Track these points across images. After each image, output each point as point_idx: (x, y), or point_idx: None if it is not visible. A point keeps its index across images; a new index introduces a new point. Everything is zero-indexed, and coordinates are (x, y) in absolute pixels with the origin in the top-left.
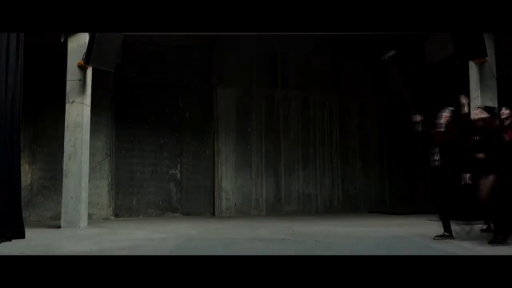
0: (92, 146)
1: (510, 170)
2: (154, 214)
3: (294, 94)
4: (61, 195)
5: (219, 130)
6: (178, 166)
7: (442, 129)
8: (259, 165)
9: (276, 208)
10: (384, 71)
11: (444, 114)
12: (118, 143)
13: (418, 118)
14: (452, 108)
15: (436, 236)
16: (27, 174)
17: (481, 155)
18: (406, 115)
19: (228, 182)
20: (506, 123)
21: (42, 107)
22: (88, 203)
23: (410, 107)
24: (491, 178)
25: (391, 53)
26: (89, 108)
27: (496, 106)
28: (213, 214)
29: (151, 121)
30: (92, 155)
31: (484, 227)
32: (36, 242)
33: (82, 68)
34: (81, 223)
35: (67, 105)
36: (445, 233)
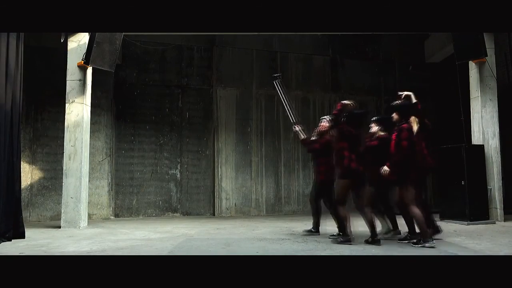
0: (92, 146)
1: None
2: (154, 214)
3: (294, 94)
4: (61, 195)
5: (219, 130)
6: (178, 166)
7: (314, 138)
8: (259, 165)
9: (276, 208)
10: (384, 71)
11: (322, 123)
12: (118, 143)
13: (296, 128)
14: (329, 117)
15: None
16: (27, 174)
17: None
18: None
19: (228, 182)
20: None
21: (42, 107)
22: (88, 203)
23: (292, 120)
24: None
25: (278, 76)
26: (89, 108)
27: (496, 106)
28: (213, 214)
29: (151, 121)
30: (92, 155)
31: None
32: (36, 242)
33: (82, 68)
34: (81, 223)
35: (67, 105)
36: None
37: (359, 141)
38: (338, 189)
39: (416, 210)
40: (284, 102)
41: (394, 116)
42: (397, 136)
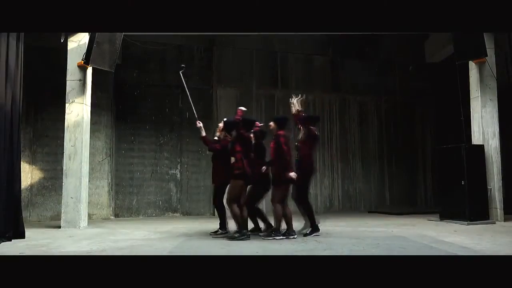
0: (92, 146)
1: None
2: (154, 214)
3: (294, 94)
4: (61, 195)
5: None
6: (178, 166)
7: (216, 138)
8: None
9: None
10: (384, 71)
11: (220, 125)
12: (118, 143)
13: (198, 124)
14: (225, 119)
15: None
16: (27, 174)
17: None
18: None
19: None
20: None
21: (42, 107)
22: (88, 203)
23: (195, 116)
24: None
25: (182, 67)
26: (89, 108)
27: (496, 106)
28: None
29: (151, 121)
30: (92, 155)
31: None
32: (36, 242)
33: (82, 68)
34: (81, 223)
35: (67, 105)
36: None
37: (251, 146)
38: (232, 188)
39: (279, 208)
40: (188, 94)
41: (272, 124)
42: (276, 143)
